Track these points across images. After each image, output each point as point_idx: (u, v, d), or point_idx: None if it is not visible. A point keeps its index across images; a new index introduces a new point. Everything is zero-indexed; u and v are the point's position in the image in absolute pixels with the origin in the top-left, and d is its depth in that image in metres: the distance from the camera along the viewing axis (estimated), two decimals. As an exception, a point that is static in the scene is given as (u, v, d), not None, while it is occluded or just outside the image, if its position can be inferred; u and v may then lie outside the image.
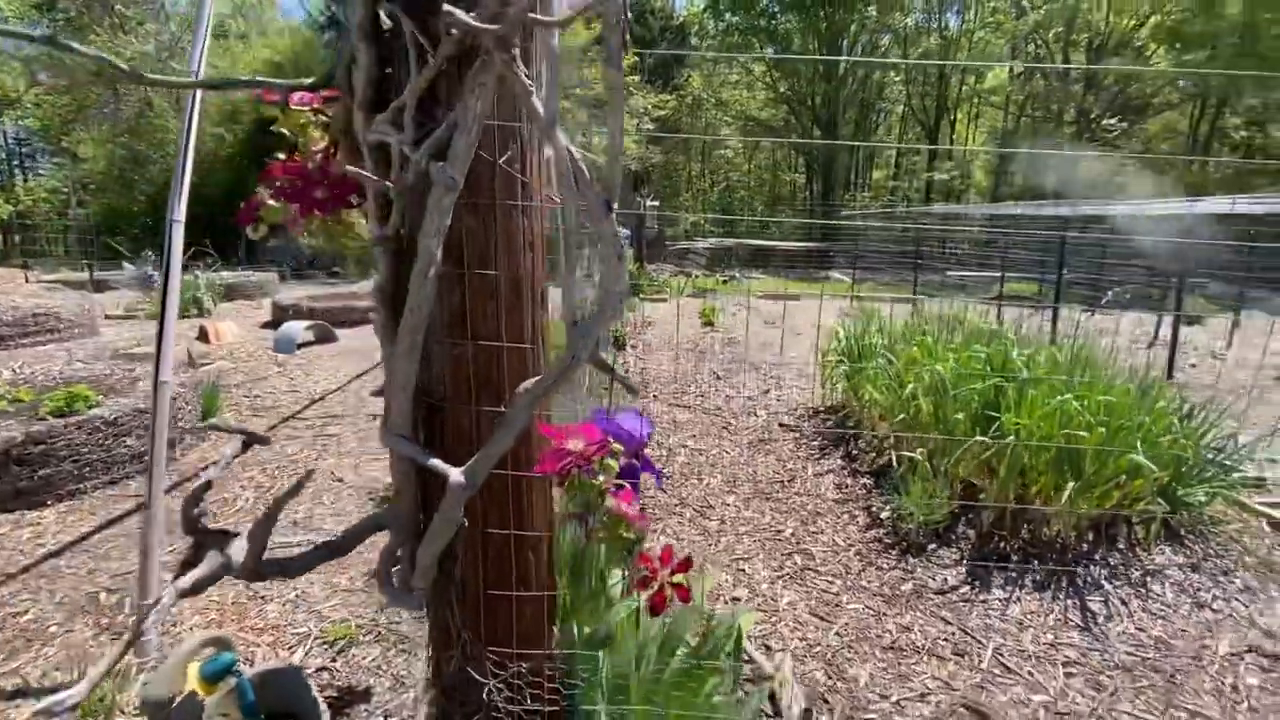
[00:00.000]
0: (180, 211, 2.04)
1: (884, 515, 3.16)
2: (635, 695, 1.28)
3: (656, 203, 14.06)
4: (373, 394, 5.08)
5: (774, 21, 24.73)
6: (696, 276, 12.44)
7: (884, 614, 2.45)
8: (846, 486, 3.57)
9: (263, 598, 2.38)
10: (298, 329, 6.38)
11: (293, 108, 1.21)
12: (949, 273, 13.57)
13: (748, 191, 31.53)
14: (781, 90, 26.43)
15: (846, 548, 2.94)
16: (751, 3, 24.67)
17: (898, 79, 27.19)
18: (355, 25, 1.03)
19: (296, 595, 2.39)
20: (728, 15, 25.04)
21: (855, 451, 3.91)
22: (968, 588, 2.59)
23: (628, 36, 0.90)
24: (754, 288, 13.21)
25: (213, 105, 16.19)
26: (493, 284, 1.10)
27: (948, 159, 30.32)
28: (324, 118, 1.26)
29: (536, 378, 1.00)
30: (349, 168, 1.04)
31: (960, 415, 3.03)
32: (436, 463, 1.04)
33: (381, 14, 1.04)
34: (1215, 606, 2.48)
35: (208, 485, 1.21)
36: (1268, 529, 2.96)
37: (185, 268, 9.63)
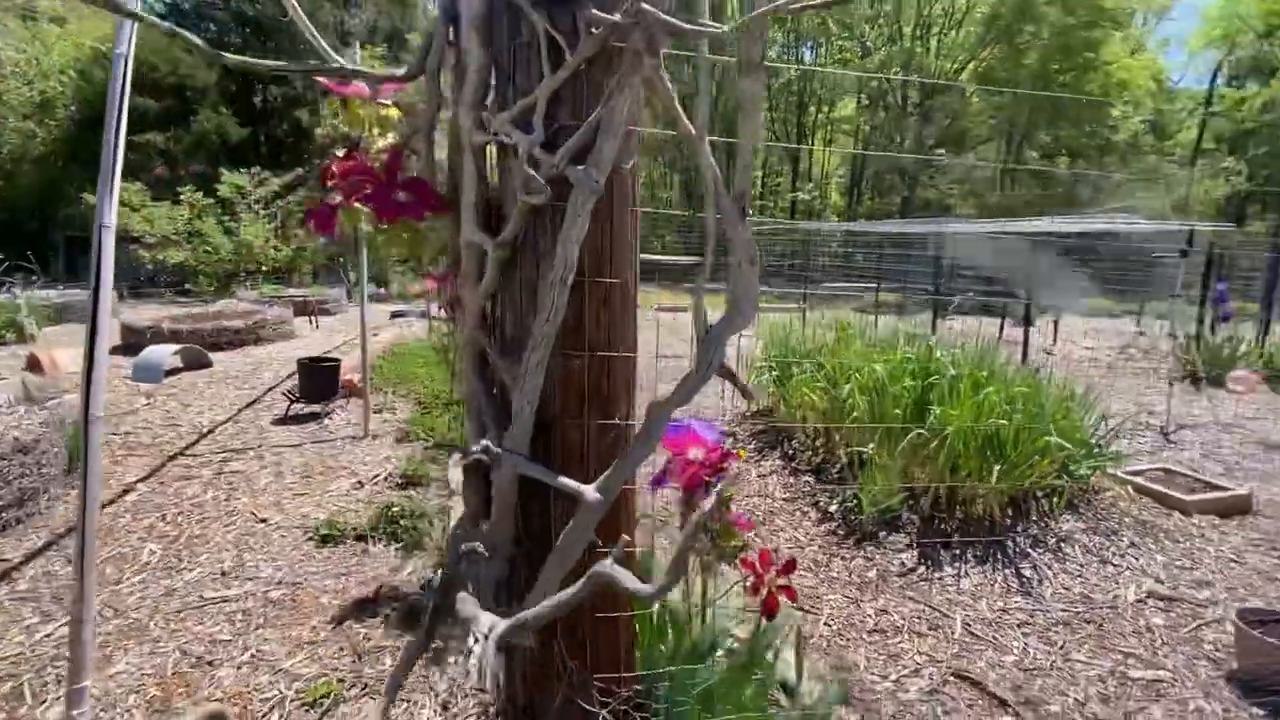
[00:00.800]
0: (110, 215, 1.74)
1: (832, 509, 3.36)
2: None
3: None
4: (275, 422, 4.57)
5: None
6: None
7: (860, 600, 2.61)
8: (791, 485, 3.76)
9: (210, 663, 2.06)
10: (164, 354, 5.59)
11: (369, 102, 1.09)
12: (824, 284, 14.72)
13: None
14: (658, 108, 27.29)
15: (809, 542, 3.10)
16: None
17: (763, 105, 29.13)
18: (468, 20, 0.96)
19: (251, 656, 2.10)
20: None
21: (792, 451, 4.12)
22: (923, 568, 2.83)
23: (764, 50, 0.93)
24: (648, 300, 13.52)
25: (15, 96, 13.80)
26: (605, 292, 1.06)
27: (808, 180, 32.97)
28: (387, 113, 1.14)
29: (674, 388, 0.99)
30: (464, 168, 0.96)
31: (897, 411, 3.31)
32: (567, 481, 0.98)
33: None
34: (1114, 562, 2.90)
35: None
36: (1134, 494, 3.52)
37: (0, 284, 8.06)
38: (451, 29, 1.01)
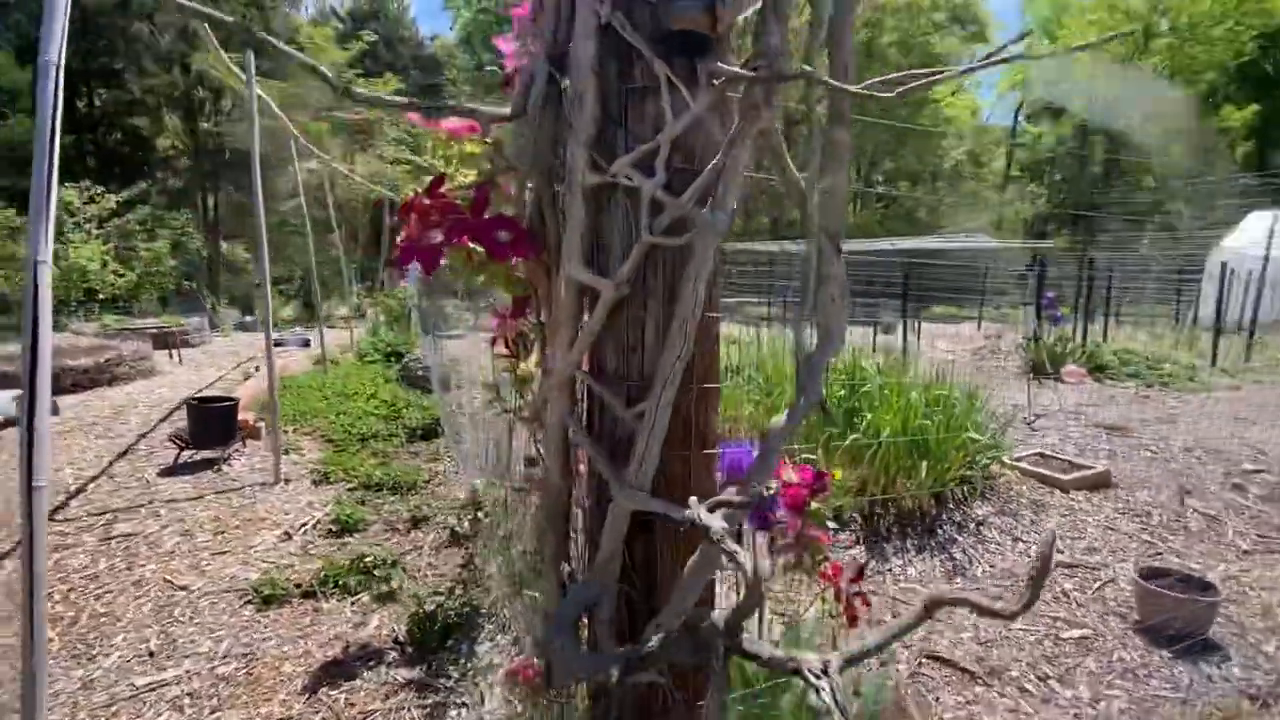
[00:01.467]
0: (46, 249, 1.50)
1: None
2: None
3: None
4: (164, 473, 4.01)
5: (528, 63, 25.60)
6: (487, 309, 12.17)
7: (824, 598, 2.78)
8: (736, 495, 3.91)
9: (165, 758, 1.79)
10: (3, 400, 4.72)
11: (465, 137, 1.03)
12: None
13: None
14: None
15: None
16: (504, 42, 25.18)
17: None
18: (584, 64, 0.96)
19: (215, 742, 1.85)
20: (480, 52, 25.18)
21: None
22: (874, 562, 3.08)
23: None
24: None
25: None
26: (706, 325, 1.09)
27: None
28: (472, 150, 1.09)
29: (785, 415, 1.04)
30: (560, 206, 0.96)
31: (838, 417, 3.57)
32: (695, 513, 1.00)
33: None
34: (1023, 539, 3.33)
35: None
36: (1022, 477, 4.05)
37: None
38: (550, 68, 1.00)
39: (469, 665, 2.17)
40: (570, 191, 1.00)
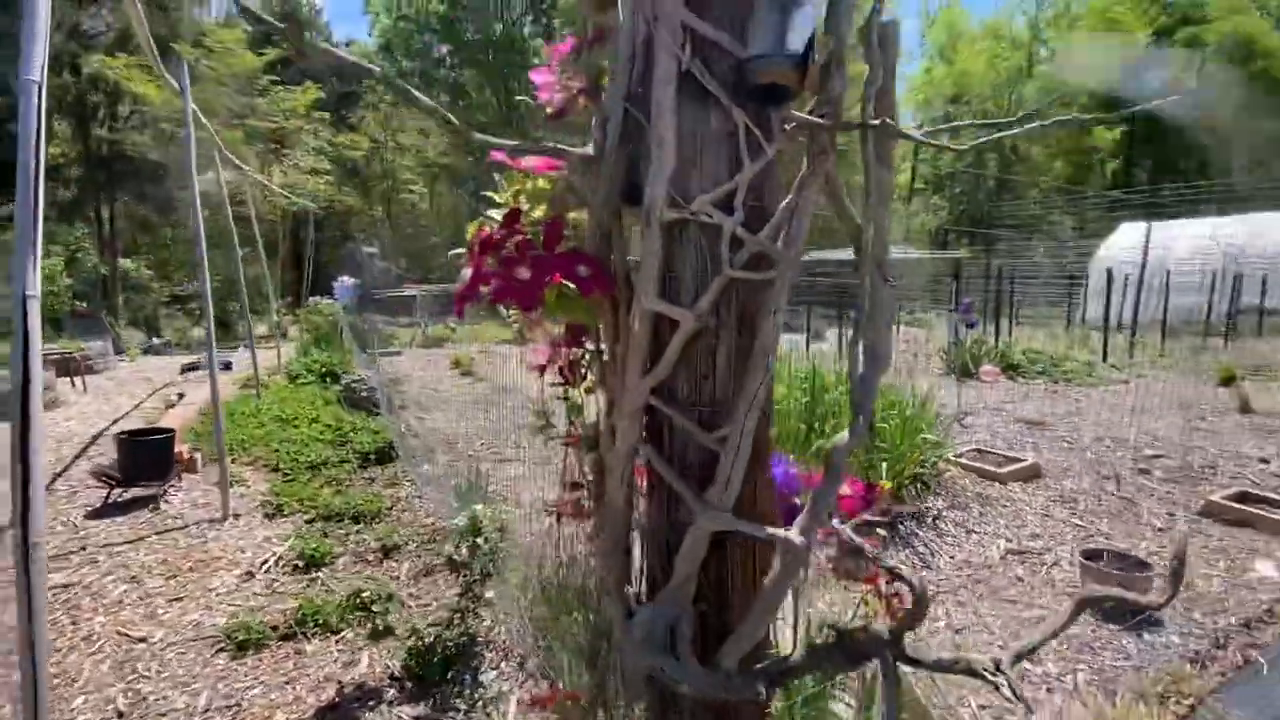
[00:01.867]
0: (35, 283, 1.39)
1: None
2: None
3: (375, 249, 12.86)
4: (92, 515, 3.67)
5: (453, 72, 25.10)
6: (427, 327, 11.81)
7: (814, 600, 2.91)
8: (707, 504, 4.00)
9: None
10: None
11: (539, 173, 1.04)
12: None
13: (437, 237, 30.96)
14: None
15: (746, 555, 3.36)
16: (426, 50, 24.62)
17: (576, 141, 30.17)
18: (666, 109, 1.01)
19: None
20: (401, 59, 24.49)
21: (697, 473, 4.38)
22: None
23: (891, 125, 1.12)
24: (485, 334, 13.15)
25: None
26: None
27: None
28: (538, 185, 1.10)
29: (847, 433, 1.12)
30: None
31: (801, 425, 3.74)
32: (774, 530, 1.06)
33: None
34: (975, 530, 3.59)
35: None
36: (964, 472, 4.37)
37: None
38: (625, 109, 1.05)
39: (476, 696, 2.13)
40: (648, 227, 1.04)
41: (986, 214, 35.94)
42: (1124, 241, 15.52)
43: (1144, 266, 11.50)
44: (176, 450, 4.28)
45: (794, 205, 1.04)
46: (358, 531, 3.52)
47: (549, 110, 1.32)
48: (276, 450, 4.84)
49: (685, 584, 1.12)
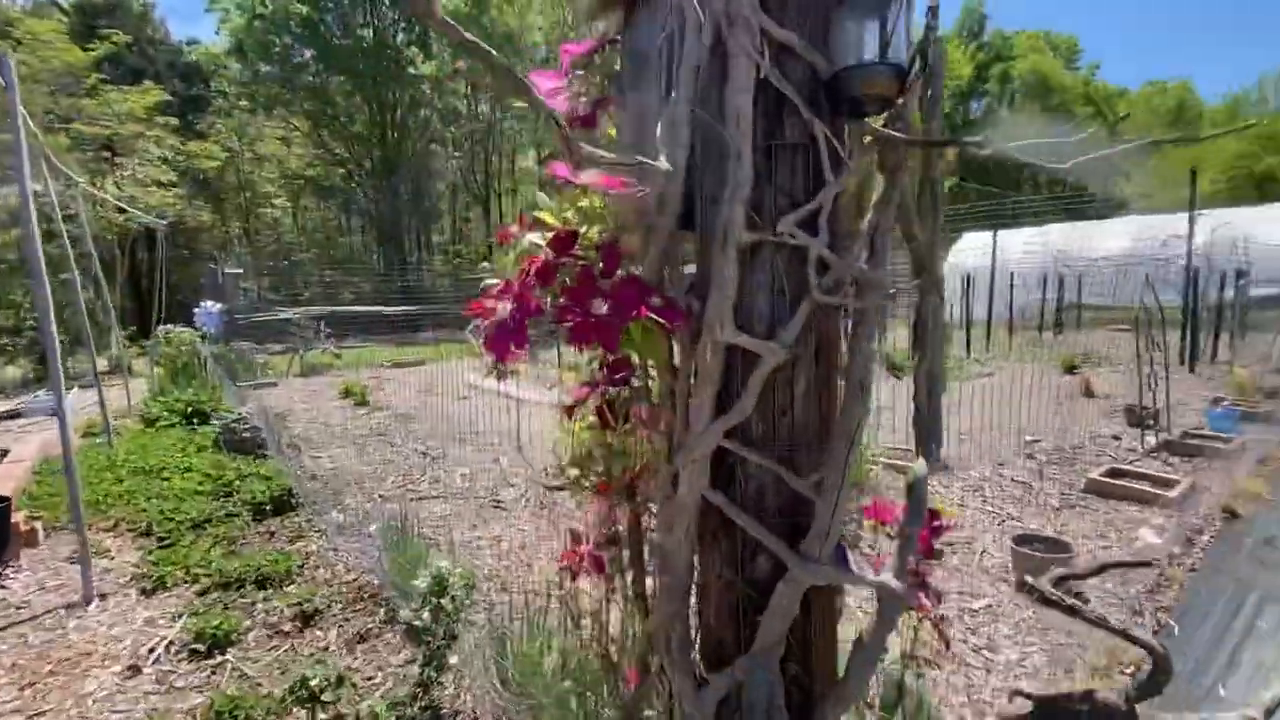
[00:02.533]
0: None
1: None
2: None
3: (240, 270, 11.44)
4: (-104, 618, 2.88)
5: (317, 78, 23.27)
6: (305, 353, 10.74)
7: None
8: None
9: None
10: None
11: (603, 188, 0.87)
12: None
13: (305, 254, 28.63)
14: (337, 151, 25.03)
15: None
16: (285, 54, 22.71)
17: (456, 154, 29.10)
18: (742, 114, 0.89)
19: None
20: (259, 63, 22.36)
21: (636, 493, 4.26)
22: (803, 571, 3.26)
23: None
24: (372, 357, 12.21)
25: None
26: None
27: (501, 225, 33.84)
28: (590, 204, 0.94)
29: (923, 464, 1.07)
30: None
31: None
32: (875, 578, 0.97)
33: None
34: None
35: None
36: (885, 469, 4.60)
37: None
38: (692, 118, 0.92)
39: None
40: (722, 250, 0.93)
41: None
42: (969, 247, 17.43)
43: (994, 269, 12.94)
44: (12, 521, 3.51)
45: (875, 224, 0.98)
46: (265, 599, 3.05)
47: (564, 118, 1.17)
48: (144, 509, 4.12)
49: (775, 646, 1.01)
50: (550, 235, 0.95)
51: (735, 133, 0.90)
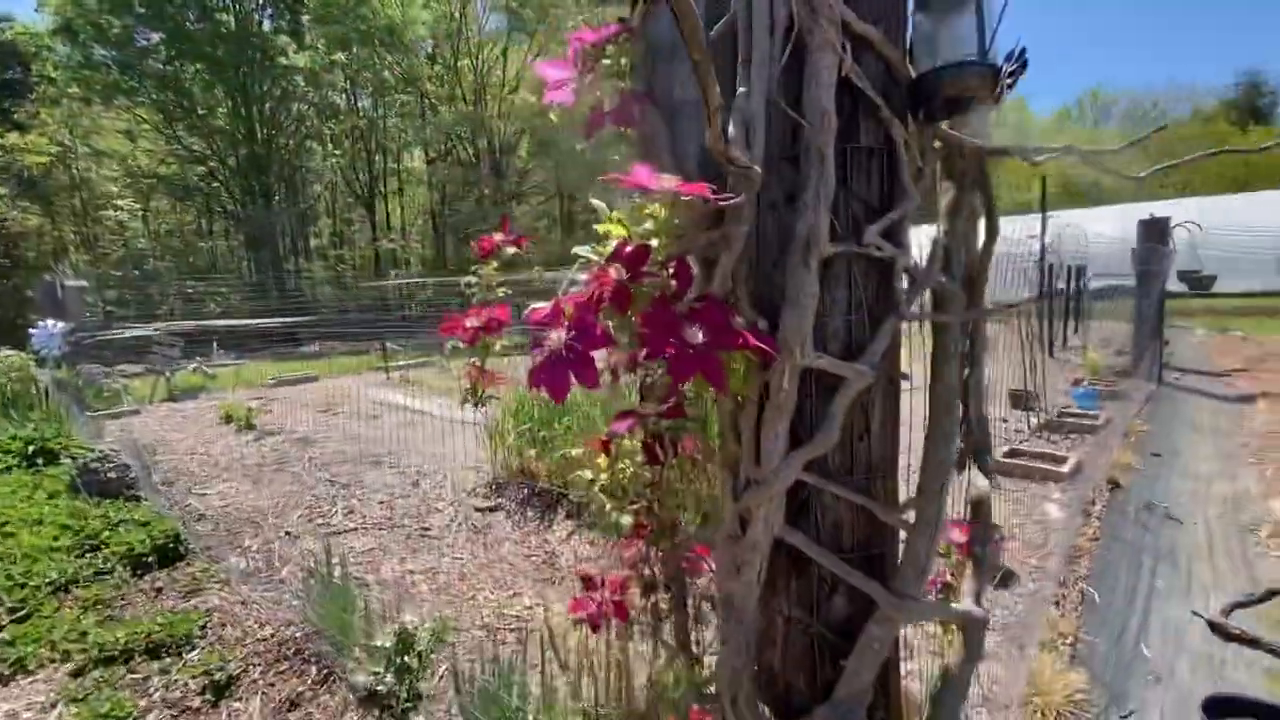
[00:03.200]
0: None
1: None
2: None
3: (84, 283, 9.77)
4: None
5: (168, 65, 20.73)
6: (172, 374, 9.48)
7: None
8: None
9: None
10: None
11: (681, 193, 0.72)
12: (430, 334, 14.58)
13: (160, 261, 25.60)
14: (195, 147, 22.49)
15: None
16: (126, 36, 20.08)
17: (337, 152, 27.12)
18: (827, 112, 0.80)
19: None
20: (93, 47, 19.58)
21: (581, 508, 4.10)
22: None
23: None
24: (251, 374, 11.04)
25: None
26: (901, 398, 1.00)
27: (387, 228, 32.07)
28: (654, 212, 0.79)
29: (985, 482, 1.04)
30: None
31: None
32: (962, 608, 0.91)
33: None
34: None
35: None
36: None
37: None
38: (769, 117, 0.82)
39: None
40: (803, 263, 0.84)
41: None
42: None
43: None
44: None
45: (951, 234, 0.92)
46: (163, 671, 2.60)
47: (591, 115, 1.04)
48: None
49: (863, 692, 0.93)
50: (607, 250, 0.81)
51: (817, 133, 0.81)
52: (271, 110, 23.06)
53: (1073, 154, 0.87)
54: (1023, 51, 0.79)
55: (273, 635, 2.85)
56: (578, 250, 0.83)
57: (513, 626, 2.95)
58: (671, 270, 0.81)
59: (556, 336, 0.79)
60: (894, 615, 0.89)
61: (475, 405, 1.45)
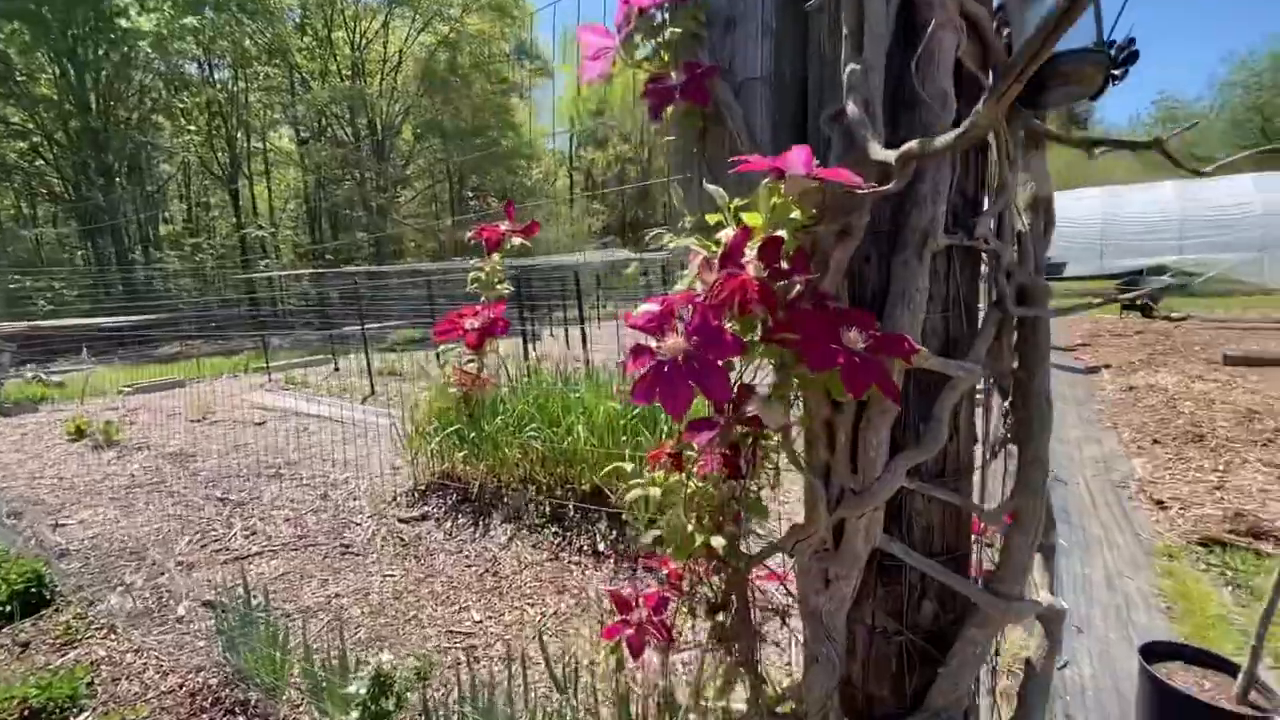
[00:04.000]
0: None
1: (602, 548, 3.44)
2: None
3: None
4: None
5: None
6: (0, 384, 8.02)
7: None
8: (558, 541, 3.60)
9: None
10: None
11: (844, 183, 0.61)
12: (344, 327, 13.55)
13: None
14: (13, 120, 19.10)
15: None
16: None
17: (191, 128, 24.14)
18: (945, 93, 0.74)
19: None
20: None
21: (519, 512, 3.91)
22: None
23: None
24: (103, 381, 9.61)
25: None
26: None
27: (254, 213, 29.20)
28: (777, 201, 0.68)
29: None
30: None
31: (624, 436, 3.62)
32: (1052, 601, 0.91)
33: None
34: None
35: None
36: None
37: None
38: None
39: None
40: (917, 256, 0.79)
41: (636, 216, 41.11)
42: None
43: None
44: None
45: (1031, 227, 0.91)
46: (43, 743, 2.17)
47: (650, 87, 0.93)
48: None
49: (961, 699, 0.91)
50: (724, 242, 0.71)
51: (936, 116, 0.76)
52: (109, 79, 20.13)
53: (1160, 145, 0.88)
54: (1132, 41, 0.78)
55: (181, 685, 2.48)
56: (682, 241, 0.72)
57: (463, 644, 2.76)
58: (794, 264, 0.72)
59: (673, 343, 0.69)
60: (998, 616, 0.87)
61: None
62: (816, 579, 0.92)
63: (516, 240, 1.26)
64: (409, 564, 3.52)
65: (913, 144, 0.66)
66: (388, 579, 3.36)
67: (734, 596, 1.09)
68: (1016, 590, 0.87)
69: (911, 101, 0.79)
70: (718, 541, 0.89)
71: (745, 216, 0.70)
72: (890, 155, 0.68)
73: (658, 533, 1.07)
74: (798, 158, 0.64)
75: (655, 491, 0.97)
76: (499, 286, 1.28)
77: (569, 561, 3.39)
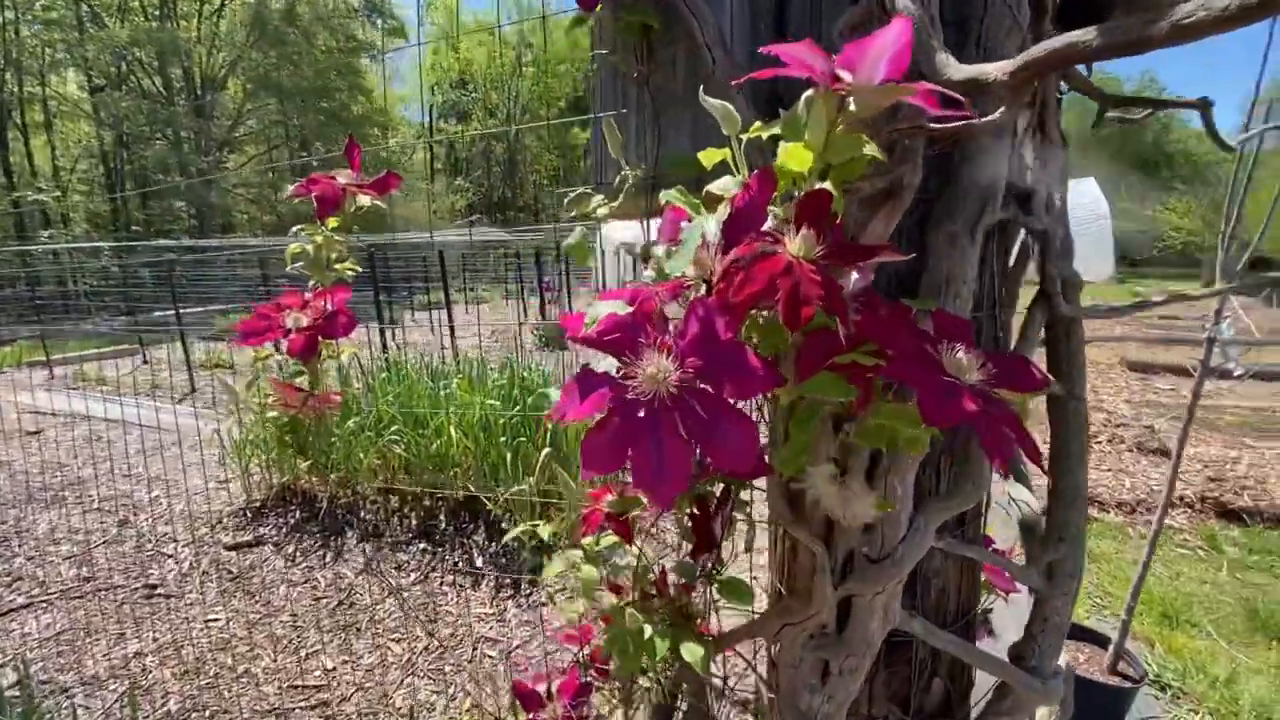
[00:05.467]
0: None
1: (479, 562, 3.08)
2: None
3: None
4: None
5: None
6: None
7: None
8: (439, 560, 3.15)
9: None
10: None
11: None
12: (153, 313, 11.51)
13: None
14: None
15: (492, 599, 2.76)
16: None
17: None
18: (1001, 29, 0.50)
19: None
20: None
21: (379, 528, 3.40)
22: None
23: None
24: None
25: None
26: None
27: (32, 174, 24.27)
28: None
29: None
30: None
31: (504, 438, 3.25)
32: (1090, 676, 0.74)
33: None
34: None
35: None
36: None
37: None
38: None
39: None
40: (968, 232, 0.57)
41: (503, 197, 39.59)
42: (612, 227, 19.25)
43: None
44: None
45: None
46: None
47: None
48: None
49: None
50: (730, 198, 0.43)
51: (999, 43, 0.53)
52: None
53: (1206, 106, 0.73)
54: None
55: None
56: (667, 195, 0.43)
57: (311, 701, 2.29)
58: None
59: (655, 370, 0.40)
60: (1033, 699, 0.68)
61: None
62: (811, 673, 0.68)
63: (364, 199, 0.88)
64: (240, 602, 2.90)
65: (1033, 51, 0.42)
66: (211, 625, 2.74)
67: (685, 685, 0.83)
68: (1050, 665, 0.69)
69: (966, 13, 0.55)
70: (691, 652, 0.61)
71: (784, 153, 0.42)
72: (993, 70, 0.44)
73: (563, 566, 0.79)
74: (883, 48, 0.37)
75: (590, 571, 0.68)
76: (338, 267, 0.90)
77: (440, 583, 2.98)
